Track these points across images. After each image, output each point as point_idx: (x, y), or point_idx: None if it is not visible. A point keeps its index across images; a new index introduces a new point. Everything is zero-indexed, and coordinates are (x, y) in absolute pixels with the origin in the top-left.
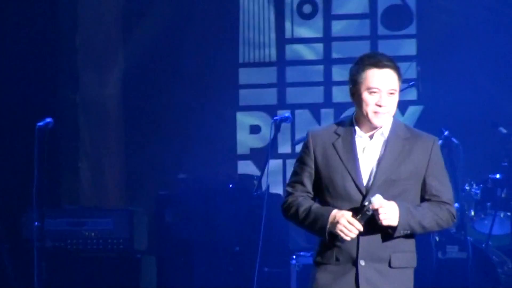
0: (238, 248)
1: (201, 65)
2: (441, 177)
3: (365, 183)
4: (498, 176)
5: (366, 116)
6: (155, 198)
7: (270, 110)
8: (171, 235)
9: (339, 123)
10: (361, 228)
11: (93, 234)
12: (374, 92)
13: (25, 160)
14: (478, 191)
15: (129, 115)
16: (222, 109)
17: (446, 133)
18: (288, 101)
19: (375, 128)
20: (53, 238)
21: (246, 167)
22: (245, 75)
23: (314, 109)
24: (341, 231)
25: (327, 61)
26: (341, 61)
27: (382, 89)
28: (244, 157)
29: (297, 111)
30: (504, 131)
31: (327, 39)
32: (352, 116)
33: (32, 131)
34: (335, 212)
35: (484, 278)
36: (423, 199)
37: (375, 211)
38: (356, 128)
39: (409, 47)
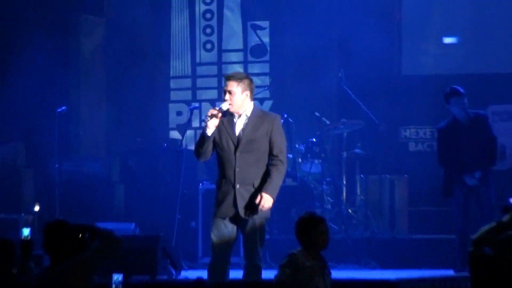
0: (169, 179)
1: (152, 74)
2: (280, 137)
3: (236, 140)
4: (314, 140)
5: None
6: (123, 151)
7: (187, 102)
8: (133, 173)
9: (229, 114)
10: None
11: (88, 172)
12: (224, 92)
13: (50, 130)
14: (303, 148)
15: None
16: (162, 102)
17: (285, 116)
18: (197, 97)
19: (238, 111)
20: (66, 174)
21: (174, 134)
22: (174, 83)
23: (212, 103)
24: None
25: (219, 75)
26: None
27: (226, 90)
28: (173, 129)
29: (203, 103)
30: (317, 114)
31: (219, 63)
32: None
33: (53, 115)
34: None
35: (306, 196)
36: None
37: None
38: (234, 112)
39: (265, 67)
